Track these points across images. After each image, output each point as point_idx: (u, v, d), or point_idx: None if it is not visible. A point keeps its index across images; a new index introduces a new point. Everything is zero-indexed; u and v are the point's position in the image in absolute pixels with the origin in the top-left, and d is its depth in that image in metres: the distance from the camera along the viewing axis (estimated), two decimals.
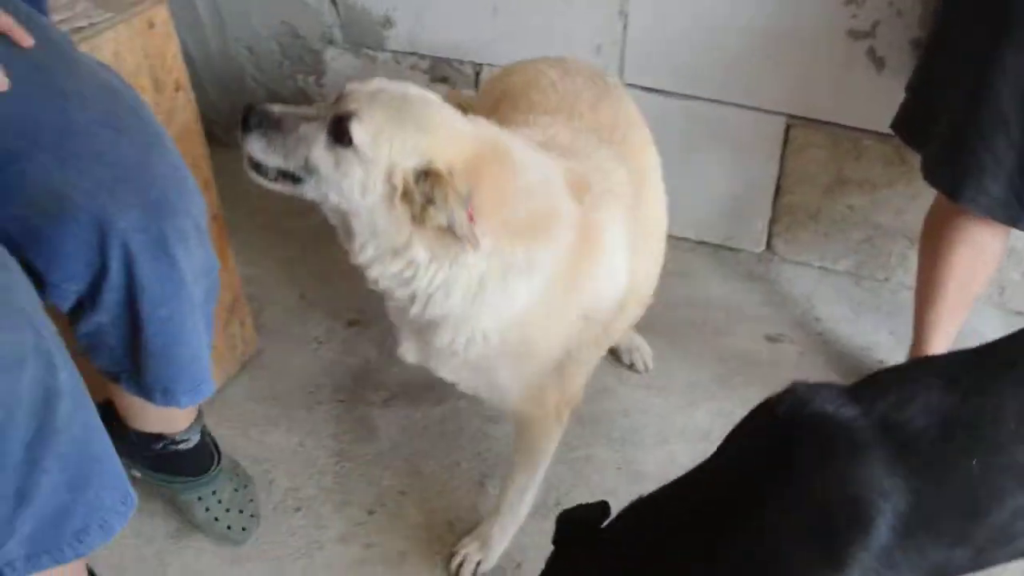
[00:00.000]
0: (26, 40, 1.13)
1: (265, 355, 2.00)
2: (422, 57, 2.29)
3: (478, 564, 1.57)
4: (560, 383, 1.44)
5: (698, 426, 1.84)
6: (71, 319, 1.25)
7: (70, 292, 1.18)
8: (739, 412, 1.72)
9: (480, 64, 2.24)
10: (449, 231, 1.18)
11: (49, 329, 1.04)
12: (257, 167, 1.27)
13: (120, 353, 1.29)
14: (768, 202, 2.17)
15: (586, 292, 1.37)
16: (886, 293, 2.13)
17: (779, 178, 2.13)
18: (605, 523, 1.15)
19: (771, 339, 2.03)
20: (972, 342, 1.88)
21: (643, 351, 1.96)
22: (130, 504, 1.15)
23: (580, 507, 1.18)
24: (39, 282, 1.15)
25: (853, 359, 1.98)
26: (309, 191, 1.26)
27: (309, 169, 1.23)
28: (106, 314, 1.22)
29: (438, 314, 1.28)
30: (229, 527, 1.60)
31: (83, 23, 1.50)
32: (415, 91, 1.27)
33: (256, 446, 1.80)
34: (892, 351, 1.98)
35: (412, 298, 1.28)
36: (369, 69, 2.36)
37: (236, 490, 1.62)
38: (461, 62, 2.26)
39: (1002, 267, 2.02)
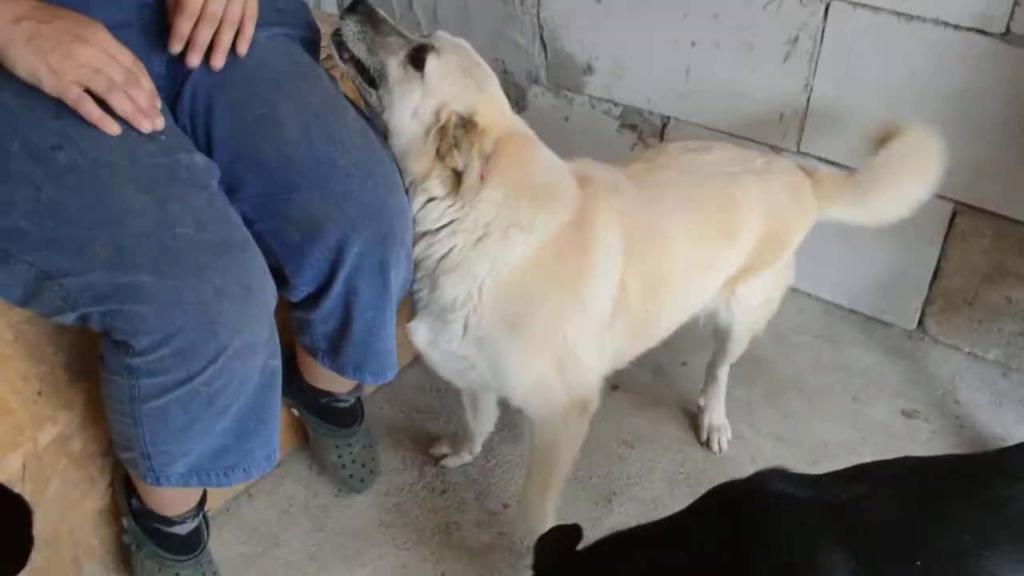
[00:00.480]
0: (241, 47, 1.38)
1: None
2: (615, 104, 2.49)
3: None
4: (563, 380, 1.56)
5: None
6: (294, 307, 1.54)
7: (302, 292, 1.46)
8: None
9: (668, 117, 2.42)
10: (459, 175, 1.39)
11: (274, 325, 1.31)
12: (340, 44, 1.47)
13: (323, 338, 1.56)
14: (926, 282, 2.24)
15: (574, 269, 1.50)
16: None
17: (939, 261, 2.19)
18: (582, 546, 1.28)
19: (907, 414, 2.10)
20: None
21: (723, 432, 2.03)
22: (273, 460, 1.43)
23: (556, 529, 1.32)
24: (281, 281, 1.43)
25: (984, 447, 2.00)
26: (371, 97, 1.47)
27: (382, 74, 1.44)
28: (324, 310, 1.49)
29: (443, 255, 1.46)
30: (351, 475, 1.87)
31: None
32: (487, 66, 1.50)
33: (417, 431, 2.05)
34: None
35: (420, 236, 1.47)
36: (567, 109, 2.59)
37: (364, 448, 1.89)
38: (651, 113, 2.45)
39: None
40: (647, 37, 2.33)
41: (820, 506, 1.14)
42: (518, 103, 2.66)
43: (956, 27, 1.93)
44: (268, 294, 1.29)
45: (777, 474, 1.21)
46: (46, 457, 1.48)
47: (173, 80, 1.38)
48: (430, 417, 2.08)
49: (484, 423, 1.94)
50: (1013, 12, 1.86)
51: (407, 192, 1.45)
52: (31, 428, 1.45)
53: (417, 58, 1.42)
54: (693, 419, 2.08)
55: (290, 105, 1.39)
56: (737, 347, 1.93)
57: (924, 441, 2.02)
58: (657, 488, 1.91)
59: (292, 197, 1.38)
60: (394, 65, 1.43)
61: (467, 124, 1.40)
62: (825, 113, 2.17)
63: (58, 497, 1.53)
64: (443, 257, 1.47)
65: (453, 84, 1.42)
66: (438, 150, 1.41)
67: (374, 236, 1.41)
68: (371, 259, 1.43)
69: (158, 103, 1.26)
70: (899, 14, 1.97)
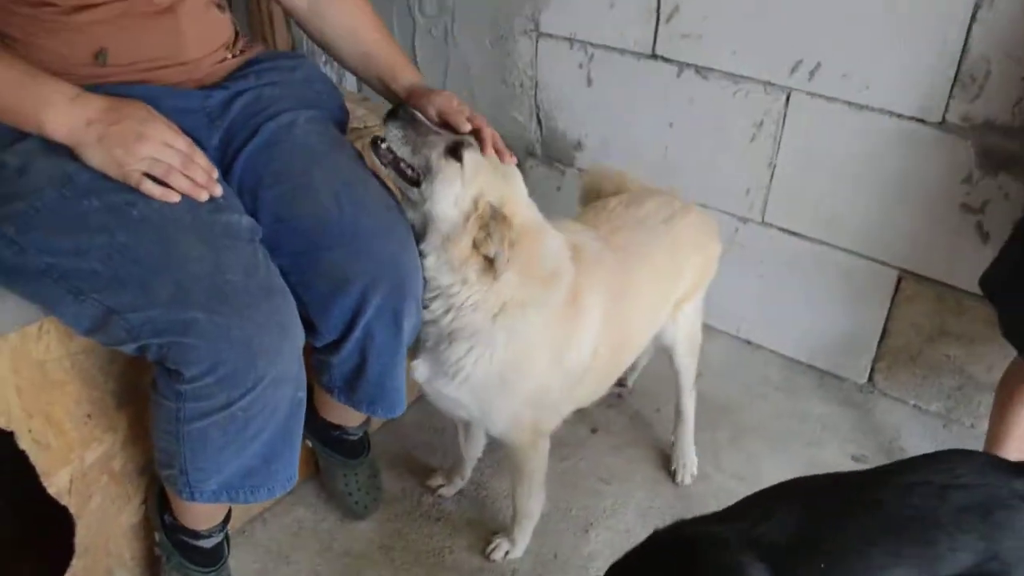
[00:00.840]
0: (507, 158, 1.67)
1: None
2: None
3: (507, 552, 2.00)
4: (535, 419, 1.82)
5: None
6: (316, 351, 1.75)
7: (326, 338, 1.68)
8: None
9: None
10: (489, 261, 1.60)
11: (303, 361, 1.53)
12: (376, 147, 1.64)
13: (341, 378, 1.77)
14: (875, 341, 2.48)
15: (562, 337, 1.74)
16: (970, 439, 2.35)
17: (887, 322, 2.43)
18: None
19: (855, 458, 2.31)
20: None
21: (688, 467, 2.25)
22: (293, 481, 1.63)
23: None
24: (309, 328, 1.65)
25: None
26: (412, 193, 1.64)
27: (427, 168, 1.60)
28: (344, 354, 1.70)
29: (463, 325, 1.67)
30: (356, 502, 2.07)
31: (360, 125, 2.04)
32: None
33: (414, 464, 2.25)
34: None
35: (448, 309, 1.67)
36: (559, 180, 2.85)
37: (369, 478, 2.09)
38: None
39: None
40: (631, 118, 2.60)
41: (734, 534, 1.31)
42: None
43: (900, 116, 2.20)
44: (299, 333, 1.51)
45: (691, 521, 1.41)
46: (91, 474, 1.68)
47: (225, 154, 1.62)
48: (427, 452, 2.29)
49: (474, 448, 2.16)
50: (948, 104, 2.13)
51: (439, 269, 1.65)
52: (79, 447, 1.64)
53: (456, 151, 1.59)
54: (665, 460, 2.29)
55: (323, 175, 1.62)
56: (688, 366, 2.17)
57: None
58: (630, 520, 2.12)
59: (323, 255, 1.60)
60: (436, 158, 1.60)
61: (498, 214, 1.60)
62: (787, 188, 2.43)
63: (98, 511, 1.73)
64: (463, 327, 1.68)
65: (487, 176, 1.61)
66: (474, 240, 1.60)
67: (391, 289, 1.63)
68: (387, 309, 1.64)
69: (215, 174, 1.48)
70: (850, 103, 2.24)
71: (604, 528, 2.10)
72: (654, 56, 2.48)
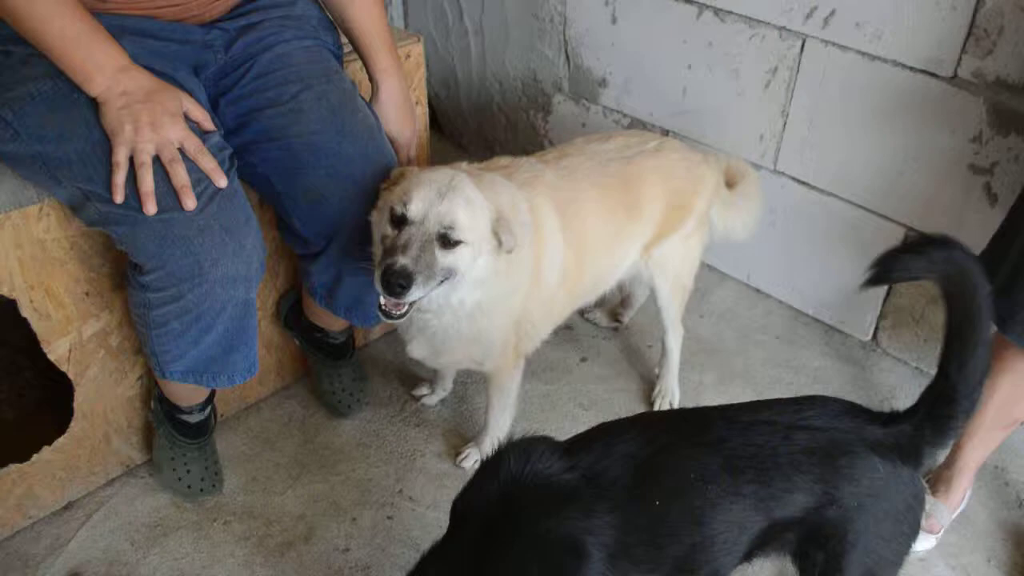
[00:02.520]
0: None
1: None
2: (624, 115, 2.78)
3: (476, 461, 2.12)
4: (519, 342, 1.93)
5: None
6: (300, 258, 1.91)
7: (309, 248, 1.83)
8: None
9: (667, 130, 2.70)
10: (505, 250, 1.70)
11: (256, 264, 1.64)
12: (387, 314, 1.67)
13: (321, 285, 1.92)
14: (880, 299, 2.45)
15: (533, 258, 1.82)
16: None
17: None
18: None
19: None
20: (1016, 460, 2.10)
21: (666, 398, 2.32)
22: (252, 371, 1.78)
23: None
24: (296, 237, 1.82)
25: None
26: (445, 287, 1.68)
27: (449, 271, 1.65)
28: (321, 265, 1.86)
29: (467, 304, 1.76)
30: (339, 401, 2.22)
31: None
32: (460, 178, 1.69)
33: (407, 373, 2.39)
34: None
35: (460, 303, 1.75)
36: (584, 116, 2.90)
37: (353, 380, 2.24)
38: (653, 125, 2.73)
39: None
40: (652, 58, 2.62)
41: (578, 473, 1.31)
42: (544, 108, 2.99)
43: (911, 69, 2.15)
44: (248, 237, 1.61)
45: (537, 449, 1.34)
46: (88, 346, 1.88)
47: (220, 82, 1.75)
48: (419, 364, 2.40)
49: None
50: (960, 59, 2.07)
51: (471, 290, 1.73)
52: (78, 320, 1.84)
53: (448, 243, 1.63)
54: (647, 393, 2.35)
55: (313, 101, 1.75)
56: (668, 305, 2.22)
57: None
58: None
59: (307, 173, 1.74)
60: (445, 260, 1.64)
61: (500, 218, 1.69)
62: (799, 137, 2.41)
63: (96, 381, 1.93)
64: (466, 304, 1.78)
65: (478, 221, 1.66)
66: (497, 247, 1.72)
67: (363, 211, 1.76)
68: (361, 230, 1.77)
69: (220, 173, 1.56)
70: (863, 54, 2.21)
71: None
72: None
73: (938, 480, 2.03)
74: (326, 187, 1.74)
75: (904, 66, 2.16)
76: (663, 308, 2.22)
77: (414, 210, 1.62)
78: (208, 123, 1.60)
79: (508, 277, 1.77)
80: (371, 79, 1.90)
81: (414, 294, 1.60)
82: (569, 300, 2.02)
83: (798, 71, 2.34)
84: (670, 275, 2.16)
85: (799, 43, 2.30)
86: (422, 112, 2.29)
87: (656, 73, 2.63)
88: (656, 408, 2.30)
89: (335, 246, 1.81)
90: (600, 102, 2.83)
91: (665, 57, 2.58)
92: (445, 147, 3.45)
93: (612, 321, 2.57)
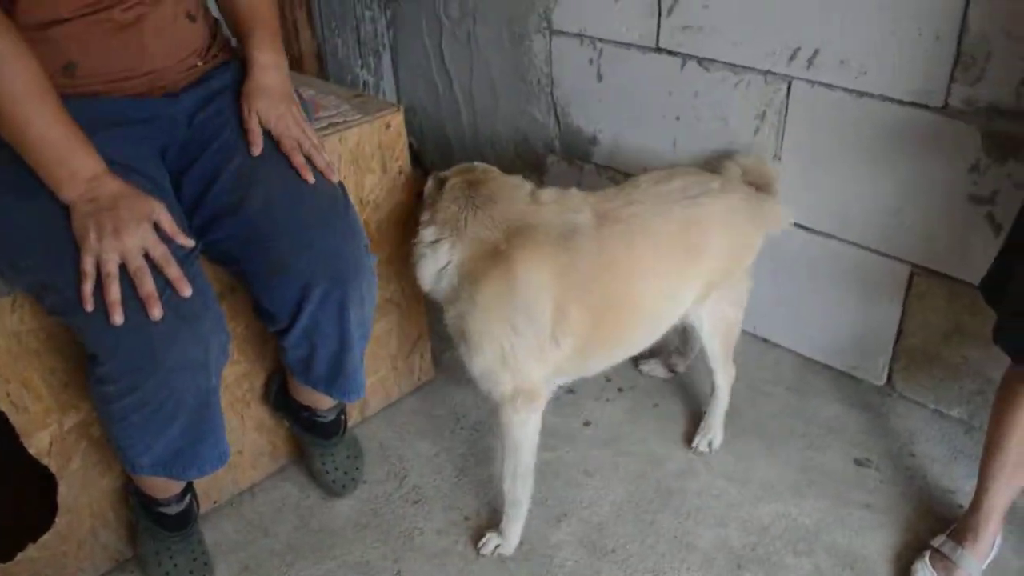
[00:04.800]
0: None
1: (435, 384, 2.54)
2: (617, 171, 2.74)
3: (497, 547, 2.01)
4: (507, 371, 1.86)
5: (758, 521, 2.06)
6: (277, 337, 1.85)
7: (278, 324, 1.78)
8: (801, 519, 2.07)
9: None
10: None
11: (216, 350, 1.60)
12: None
13: (297, 361, 1.87)
14: (891, 341, 2.35)
15: (508, 301, 1.83)
16: None
17: (901, 320, 2.31)
18: None
19: (859, 463, 2.21)
20: None
21: (713, 437, 2.27)
22: (224, 459, 1.72)
23: None
24: (265, 314, 1.78)
25: (932, 497, 2.10)
26: None
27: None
28: (293, 339, 1.80)
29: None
30: (334, 481, 2.15)
31: (340, 120, 2.13)
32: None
33: (404, 448, 2.32)
34: None
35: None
36: (578, 175, 2.86)
37: (347, 458, 2.17)
38: None
39: None
40: (640, 112, 2.59)
41: None
42: (538, 169, 2.96)
43: (900, 102, 2.10)
44: (205, 323, 1.56)
45: None
46: (69, 438, 1.83)
47: (183, 157, 1.73)
48: (419, 438, 2.35)
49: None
50: (949, 88, 2.02)
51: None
52: (58, 412, 1.79)
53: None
54: (653, 456, 2.26)
55: (272, 171, 1.72)
56: (713, 344, 2.17)
57: (871, 489, 2.13)
58: (604, 513, 2.10)
59: (268, 245, 1.70)
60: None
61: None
62: (794, 181, 2.35)
63: (79, 473, 1.88)
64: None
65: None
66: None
67: (333, 280, 1.72)
68: (331, 300, 1.74)
69: (184, 283, 1.53)
70: (850, 91, 2.16)
71: (577, 519, 2.09)
72: (658, 49, 2.46)
73: (964, 528, 1.91)
74: (290, 257, 1.69)
75: (893, 100, 2.11)
76: (710, 349, 2.18)
77: None
78: (180, 237, 1.56)
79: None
80: (251, 62, 1.80)
81: None
82: (589, 348, 1.95)
83: (786, 114, 2.29)
84: (719, 316, 2.13)
85: (785, 86, 2.26)
86: (406, 183, 2.25)
87: (645, 127, 2.59)
88: (694, 444, 2.26)
89: (304, 317, 1.75)
90: (592, 160, 2.79)
91: (653, 110, 2.55)
92: None
93: (668, 372, 2.51)
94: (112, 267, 1.45)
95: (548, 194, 1.96)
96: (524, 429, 1.93)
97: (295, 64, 2.92)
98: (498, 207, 1.90)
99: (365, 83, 3.16)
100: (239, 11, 1.83)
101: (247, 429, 2.14)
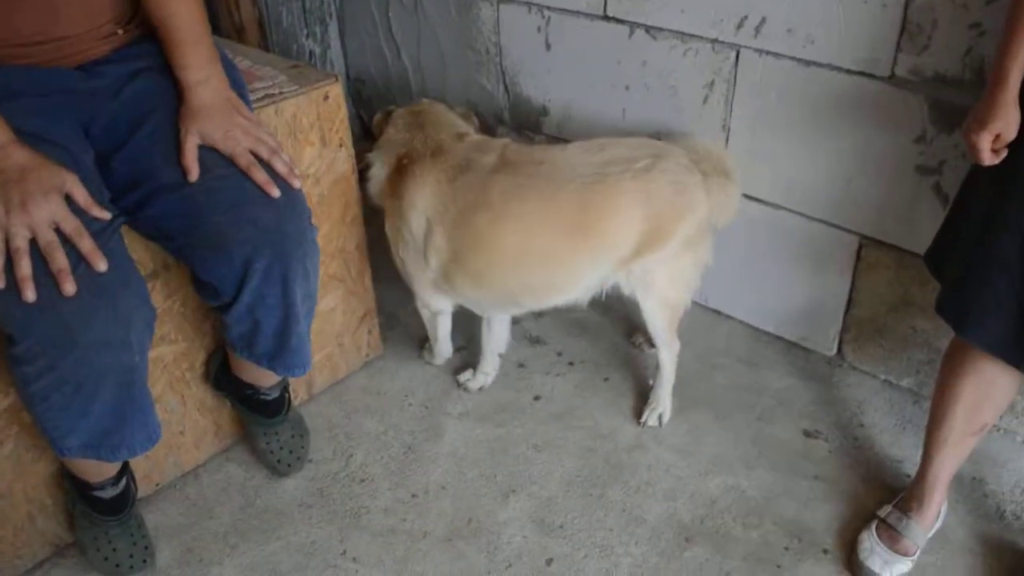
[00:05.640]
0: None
1: (383, 360, 2.50)
2: (567, 141, 2.68)
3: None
4: (409, 276, 2.22)
5: (707, 494, 2.06)
6: (219, 312, 1.80)
7: (221, 298, 1.72)
8: (750, 491, 2.04)
9: None
10: None
11: (139, 327, 1.55)
12: None
13: (239, 336, 1.82)
14: (841, 312, 2.35)
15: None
16: None
17: (851, 291, 2.30)
18: None
19: (808, 434, 2.21)
20: (1013, 482, 2.04)
21: (662, 412, 2.26)
22: (154, 439, 1.68)
23: None
24: (206, 289, 1.72)
25: (880, 467, 2.11)
26: None
27: None
28: (236, 315, 1.75)
29: None
30: (278, 460, 2.11)
31: (276, 91, 2.06)
32: None
33: (352, 426, 2.28)
34: None
35: None
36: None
37: (292, 436, 2.13)
38: None
39: None
40: (589, 82, 2.55)
41: None
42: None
43: (848, 71, 2.07)
44: (124, 299, 1.50)
45: None
46: (0, 422, 1.79)
47: (111, 136, 1.65)
48: (366, 415, 2.32)
49: (496, 343, 2.38)
50: (896, 57, 2.00)
51: None
52: None
53: None
54: (602, 430, 2.25)
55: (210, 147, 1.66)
56: (653, 321, 2.16)
57: (820, 460, 2.13)
58: (553, 488, 2.09)
59: (208, 219, 1.64)
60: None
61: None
62: (743, 151, 2.33)
63: (12, 459, 1.82)
64: None
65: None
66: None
67: (275, 255, 1.67)
68: (274, 274, 1.69)
69: (98, 256, 1.47)
70: (798, 60, 2.13)
71: (525, 495, 2.08)
72: (606, 17, 2.41)
73: (910, 498, 1.92)
74: (230, 232, 1.64)
75: (840, 69, 2.08)
76: (649, 324, 2.16)
77: None
78: (95, 209, 1.50)
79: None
80: (182, 83, 1.69)
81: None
82: (451, 282, 2.11)
83: (735, 83, 2.26)
84: (654, 293, 2.09)
85: (733, 54, 2.23)
86: (347, 158, 2.20)
87: (594, 97, 2.55)
88: (642, 420, 2.25)
89: (247, 292, 1.70)
90: (543, 131, 2.74)
91: (601, 80, 2.51)
92: None
93: (652, 346, 2.49)
94: (21, 242, 1.40)
95: (474, 135, 2.20)
96: (432, 322, 2.33)
97: (236, 34, 2.83)
98: (424, 133, 2.13)
99: (311, 53, 3.08)
100: (159, 25, 1.69)
101: (188, 409, 2.10)
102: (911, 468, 2.10)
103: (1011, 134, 1.57)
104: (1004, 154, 1.59)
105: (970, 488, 2.06)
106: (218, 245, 1.65)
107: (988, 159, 1.59)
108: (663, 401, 2.26)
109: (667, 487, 2.09)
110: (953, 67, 1.93)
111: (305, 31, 2.98)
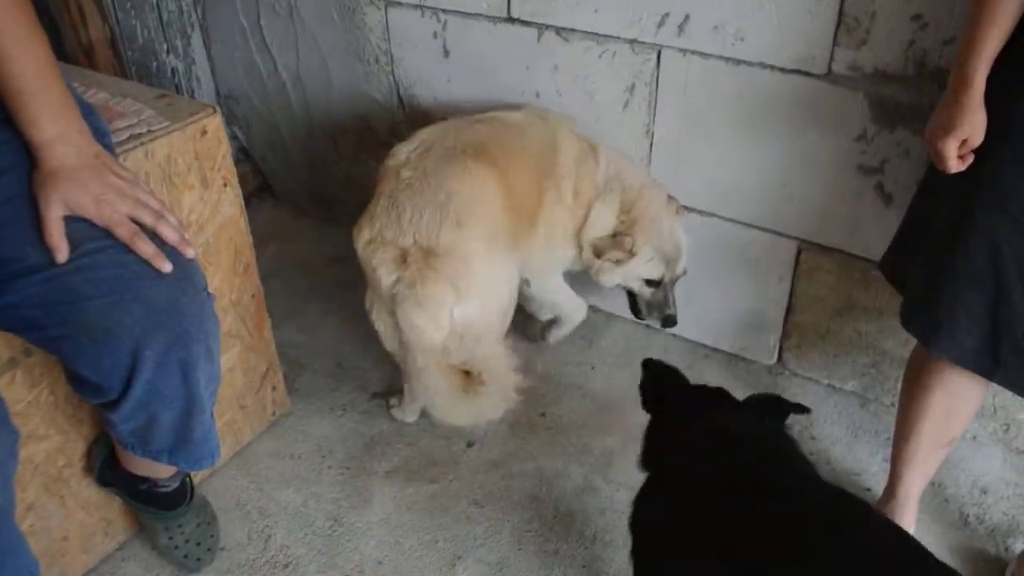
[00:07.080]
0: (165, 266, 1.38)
1: (293, 417, 2.22)
2: None
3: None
4: None
5: None
6: (102, 409, 1.49)
7: (106, 395, 1.41)
8: None
9: None
10: None
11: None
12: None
13: (130, 434, 1.52)
14: (780, 319, 2.24)
15: None
16: (889, 418, 2.10)
17: (790, 297, 2.19)
18: None
19: None
20: (971, 483, 1.89)
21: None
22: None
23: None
24: (87, 386, 1.41)
25: (837, 481, 1.97)
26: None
27: None
28: (125, 412, 1.44)
29: None
30: (186, 556, 1.83)
31: (143, 129, 1.76)
32: None
33: (265, 500, 2.01)
34: (881, 480, 1.96)
35: None
36: None
37: (199, 525, 1.86)
38: None
39: (1009, 405, 2.03)
40: (495, 90, 2.33)
41: None
42: (380, 157, 2.65)
43: (782, 69, 1.93)
44: None
45: None
46: None
47: None
48: (281, 485, 2.04)
49: None
50: (833, 53, 1.87)
51: None
52: None
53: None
54: (546, 475, 2.06)
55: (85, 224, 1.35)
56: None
57: None
58: (504, 548, 1.89)
59: (83, 304, 1.33)
60: None
61: None
62: (670, 158, 2.17)
63: None
64: None
65: None
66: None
67: (167, 338, 1.37)
68: (171, 362, 1.39)
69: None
70: (726, 59, 1.98)
71: (474, 560, 1.86)
72: (511, 19, 2.20)
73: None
74: (113, 316, 1.33)
75: (774, 67, 1.94)
76: None
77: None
78: None
79: None
80: (32, 142, 1.35)
81: None
82: None
83: (658, 86, 2.09)
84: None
85: (654, 55, 2.05)
86: (234, 198, 1.92)
87: (501, 105, 2.32)
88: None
89: (138, 385, 1.40)
90: None
91: (509, 87, 2.29)
92: (282, 214, 3.06)
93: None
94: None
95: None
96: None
97: (84, 58, 2.45)
98: None
99: (174, 70, 2.73)
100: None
101: (71, 510, 1.77)
102: (870, 480, 2.02)
103: (978, 139, 1.46)
104: (971, 160, 1.48)
105: (930, 495, 1.97)
106: (99, 334, 1.34)
107: (955, 166, 1.48)
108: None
109: (624, 532, 1.91)
110: (895, 61, 1.82)
111: (165, 46, 2.62)
